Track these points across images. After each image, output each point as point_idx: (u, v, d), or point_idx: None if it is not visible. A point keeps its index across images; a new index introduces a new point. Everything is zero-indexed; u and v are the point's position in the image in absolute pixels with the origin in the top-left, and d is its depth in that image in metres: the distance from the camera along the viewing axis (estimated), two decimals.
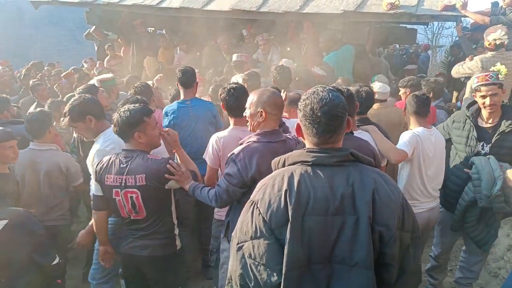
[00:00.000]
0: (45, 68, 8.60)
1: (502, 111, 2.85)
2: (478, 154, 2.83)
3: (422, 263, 2.33)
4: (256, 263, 1.37)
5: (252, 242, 1.38)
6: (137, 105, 2.36)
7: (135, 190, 2.20)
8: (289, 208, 1.35)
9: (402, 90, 4.18)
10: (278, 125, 2.31)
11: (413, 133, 2.78)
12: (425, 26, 14.87)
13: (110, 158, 2.31)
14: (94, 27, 7.37)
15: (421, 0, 5.10)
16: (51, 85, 6.19)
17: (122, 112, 2.25)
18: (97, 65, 7.10)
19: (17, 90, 6.93)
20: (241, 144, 2.26)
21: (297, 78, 4.29)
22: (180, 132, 2.89)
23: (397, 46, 9.62)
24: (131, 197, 2.21)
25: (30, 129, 3.09)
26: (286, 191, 1.37)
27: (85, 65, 7.18)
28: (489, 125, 2.85)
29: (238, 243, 1.43)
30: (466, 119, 2.91)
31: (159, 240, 2.30)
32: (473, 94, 3.01)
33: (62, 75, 6.36)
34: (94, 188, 2.44)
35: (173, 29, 7.82)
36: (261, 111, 2.18)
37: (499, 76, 2.87)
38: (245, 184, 2.15)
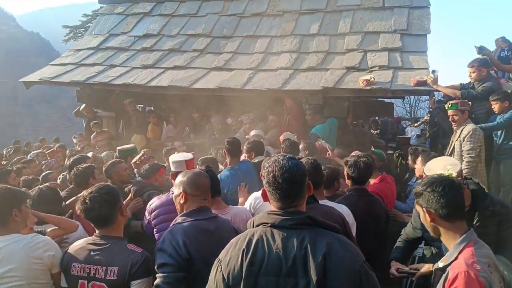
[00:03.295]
0: (35, 144, 8.64)
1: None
2: None
3: None
4: None
5: None
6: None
7: (103, 284, 1.96)
8: (244, 267, 1.44)
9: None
10: (206, 204, 2.21)
11: None
12: (402, 100, 15.74)
13: (81, 243, 2.12)
14: (84, 105, 7.57)
15: (395, 76, 5.43)
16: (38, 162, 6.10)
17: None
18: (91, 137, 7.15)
19: None
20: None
21: (306, 152, 4.39)
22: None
23: (377, 118, 10.07)
24: None
25: None
26: (243, 250, 1.47)
27: (75, 141, 7.20)
28: None
29: None
30: None
31: None
32: None
33: (47, 152, 6.34)
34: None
35: (161, 106, 8.11)
36: (182, 193, 2.15)
37: None
38: (182, 266, 1.94)
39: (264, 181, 1.57)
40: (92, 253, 2.03)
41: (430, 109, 7.80)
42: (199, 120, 7.00)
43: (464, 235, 1.79)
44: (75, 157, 4.32)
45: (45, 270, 2.15)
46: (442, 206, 1.79)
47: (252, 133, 5.56)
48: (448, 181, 1.84)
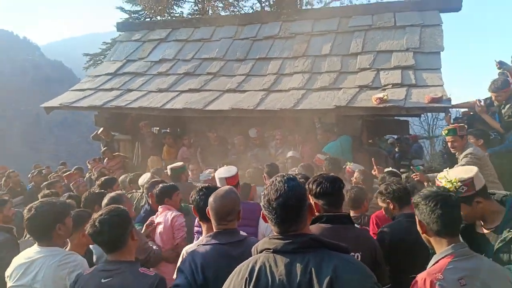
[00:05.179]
0: (59, 167, 8.87)
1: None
2: None
3: None
4: None
5: None
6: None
7: None
8: None
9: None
10: (233, 226, 2.14)
11: None
12: (419, 118, 15.51)
13: (91, 271, 2.08)
14: (101, 128, 7.76)
15: (408, 94, 5.39)
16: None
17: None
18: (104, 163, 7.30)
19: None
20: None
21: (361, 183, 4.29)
22: None
23: (394, 137, 9.93)
24: None
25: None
26: (246, 279, 1.41)
27: (89, 166, 7.35)
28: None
29: None
30: None
31: None
32: None
33: (64, 175, 6.48)
34: None
35: (176, 128, 8.23)
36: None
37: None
38: None
39: (261, 204, 1.52)
40: (103, 280, 1.96)
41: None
42: (213, 140, 7.04)
43: (449, 247, 1.75)
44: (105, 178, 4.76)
45: None
46: (433, 221, 1.77)
47: (289, 154, 5.64)
48: (443, 197, 1.79)
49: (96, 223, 2.08)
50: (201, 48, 8.01)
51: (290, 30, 7.62)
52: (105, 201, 3.25)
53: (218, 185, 3.12)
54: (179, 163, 5.11)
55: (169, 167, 5.01)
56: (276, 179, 1.51)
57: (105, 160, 7.31)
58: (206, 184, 2.63)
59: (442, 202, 1.77)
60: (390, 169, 4.25)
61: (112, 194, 3.40)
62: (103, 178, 4.75)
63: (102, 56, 17.16)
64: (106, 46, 18.01)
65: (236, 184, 3.28)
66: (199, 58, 7.75)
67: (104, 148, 7.54)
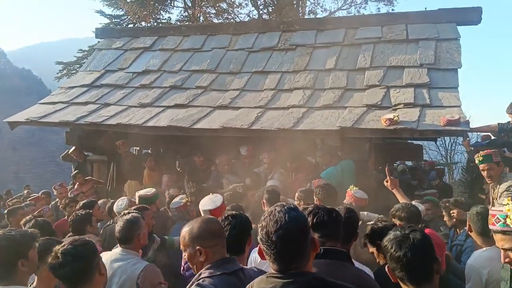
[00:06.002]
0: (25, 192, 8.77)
1: None
2: None
3: None
4: None
5: None
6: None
7: None
8: None
9: None
10: (225, 252, 2.18)
11: None
12: (435, 142, 15.70)
13: None
14: (73, 147, 7.75)
15: (422, 115, 5.48)
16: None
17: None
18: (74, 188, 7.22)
19: None
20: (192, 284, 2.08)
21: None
22: None
23: (407, 163, 10.03)
24: None
25: None
26: None
27: (55, 192, 7.28)
28: None
29: None
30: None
31: None
32: None
33: (29, 199, 6.44)
34: None
35: (160, 149, 8.26)
36: (199, 249, 2.08)
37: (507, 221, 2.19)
38: None
39: (258, 237, 1.51)
40: None
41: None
42: (200, 164, 7.07)
43: None
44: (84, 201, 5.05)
45: None
46: (395, 268, 1.80)
47: (269, 183, 5.65)
48: (410, 243, 1.79)
49: (59, 254, 2.07)
50: (190, 58, 8.15)
51: (291, 41, 7.80)
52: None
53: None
54: (150, 190, 5.05)
55: (138, 194, 4.93)
56: (275, 209, 1.51)
57: (76, 185, 7.26)
58: (233, 212, 2.57)
59: (410, 249, 1.79)
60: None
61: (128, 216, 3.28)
62: (81, 202, 4.97)
63: (78, 65, 17.35)
64: (83, 54, 18.23)
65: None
66: (188, 70, 7.87)
67: (75, 172, 7.51)
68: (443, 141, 18.72)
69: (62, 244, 2.13)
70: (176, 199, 4.87)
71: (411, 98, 5.87)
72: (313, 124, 5.72)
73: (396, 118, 5.24)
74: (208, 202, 3.37)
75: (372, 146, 6.08)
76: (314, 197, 4.32)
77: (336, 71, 6.89)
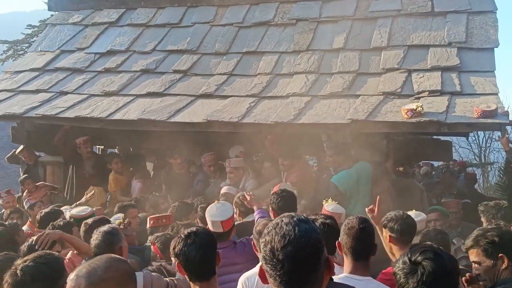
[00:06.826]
0: None
1: None
2: None
3: None
4: None
5: None
6: None
7: None
8: None
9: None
10: None
11: None
12: (466, 138, 15.78)
13: None
14: (21, 146, 7.69)
15: (451, 105, 5.51)
16: None
17: None
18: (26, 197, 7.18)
19: None
20: None
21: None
22: None
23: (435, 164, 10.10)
24: None
25: None
26: None
27: (0, 201, 7.23)
28: None
29: None
30: None
31: None
32: None
33: None
34: None
35: (129, 147, 8.22)
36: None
37: None
38: None
39: (260, 255, 1.49)
40: None
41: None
42: (178, 168, 7.05)
43: None
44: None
45: None
46: None
47: (223, 191, 5.73)
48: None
49: (18, 272, 2.10)
50: (166, 36, 8.10)
51: (290, 14, 7.77)
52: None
53: (211, 228, 3.21)
54: (86, 210, 4.94)
55: (69, 213, 4.85)
56: (282, 221, 1.48)
57: (24, 193, 7.20)
58: (193, 229, 2.67)
59: None
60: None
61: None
62: (43, 212, 4.83)
63: (26, 45, 17.18)
64: (32, 30, 18.06)
65: (232, 227, 3.45)
66: (163, 50, 7.84)
67: (24, 176, 7.43)
68: (476, 137, 18.85)
69: (25, 259, 2.17)
70: (115, 215, 4.96)
71: (438, 84, 5.88)
72: (318, 117, 5.71)
73: (419, 108, 5.24)
74: (217, 212, 3.40)
75: (391, 143, 6.10)
76: (269, 207, 4.35)
77: (346, 51, 6.89)
